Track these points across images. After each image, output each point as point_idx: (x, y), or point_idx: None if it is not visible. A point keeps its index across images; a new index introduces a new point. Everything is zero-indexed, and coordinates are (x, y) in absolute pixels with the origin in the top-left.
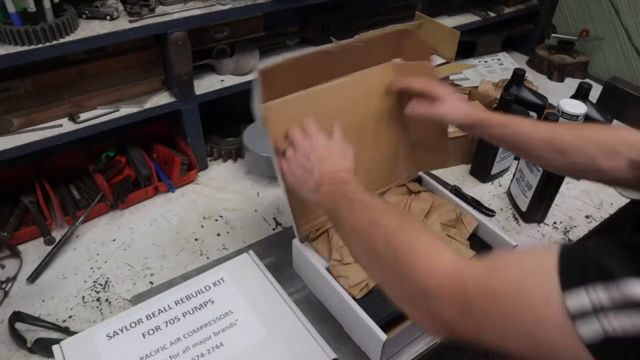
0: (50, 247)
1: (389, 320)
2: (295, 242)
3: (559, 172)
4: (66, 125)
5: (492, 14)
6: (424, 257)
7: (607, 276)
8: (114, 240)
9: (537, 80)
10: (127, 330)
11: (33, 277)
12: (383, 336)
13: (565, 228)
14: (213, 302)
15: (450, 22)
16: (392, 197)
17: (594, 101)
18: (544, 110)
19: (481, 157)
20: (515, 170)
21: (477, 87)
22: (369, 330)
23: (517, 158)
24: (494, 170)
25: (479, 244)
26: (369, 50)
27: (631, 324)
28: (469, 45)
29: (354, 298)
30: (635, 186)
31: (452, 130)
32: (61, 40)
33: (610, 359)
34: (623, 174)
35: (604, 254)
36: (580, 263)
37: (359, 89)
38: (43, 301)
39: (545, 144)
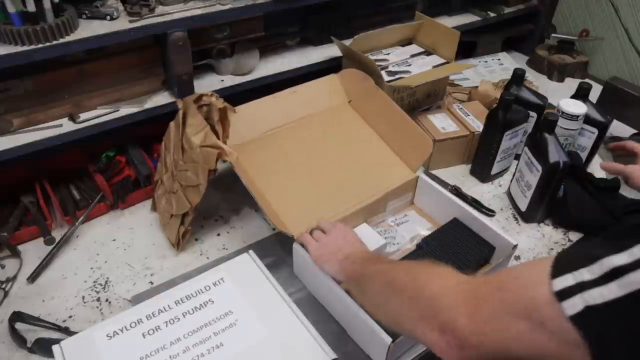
0: (50, 247)
1: None
2: (297, 246)
3: None
4: (66, 125)
5: (492, 14)
6: (436, 276)
7: (592, 261)
8: (114, 240)
9: (537, 80)
10: (127, 330)
11: (33, 277)
12: (388, 339)
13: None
14: (213, 302)
15: (450, 22)
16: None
17: (594, 101)
18: (544, 110)
19: (481, 157)
20: (515, 170)
21: (477, 87)
22: (375, 336)
23: (517, 158)
24: (494, 170)
25: (480, 243)
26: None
27: (607, 291)
28: (469, 45)
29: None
30: None
31: (452, 130)
32: (61, 40)
33: (588, 326)
34: None
35: (594, 247)
36: (571, 257)
37: (318, 118)
38: (43, 301)
39: None
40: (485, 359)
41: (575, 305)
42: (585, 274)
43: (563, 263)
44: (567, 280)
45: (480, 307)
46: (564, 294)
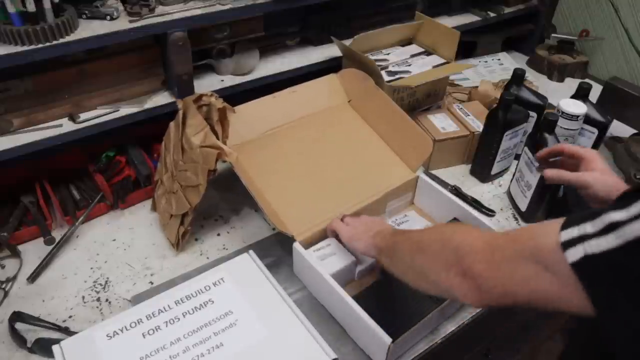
0: (50, 247)
1: (392, 323)
2: (297, 246)
3: None
4: (66, 125)
5: (492, 14)
6: (461, 231)
7: (596, 216)
8: (114, 240)
9: (537, 80)
10: (127, 330)
11: (33, 277)
12: (388, 339)
13: None
14: (213, 302)
15: (450, 22)
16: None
17: (594, 101)
18: (544, 110)
19: (481, 157)
20: (515, 170)
21: (477, 87)
22: (375, 336)
23: (517, 158)
24: (494, 170)
25: None
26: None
27: (605, 242)
28: (469, 45)
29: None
30: None
31: (452, 130)
32: (61, 40)
33: (586, 272)
34: None
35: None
36: (581, 214)
37: (318, 117)
38: (43, 301)
39: None
40: (499, 302)
41: (576, 253)
42: (588, 227)
43: (573, 219)
44: (572, 232)
45: (495, 255)
46: (568, 244)
